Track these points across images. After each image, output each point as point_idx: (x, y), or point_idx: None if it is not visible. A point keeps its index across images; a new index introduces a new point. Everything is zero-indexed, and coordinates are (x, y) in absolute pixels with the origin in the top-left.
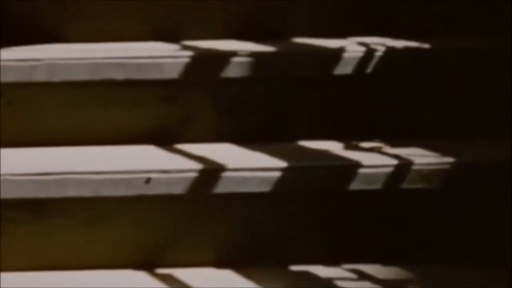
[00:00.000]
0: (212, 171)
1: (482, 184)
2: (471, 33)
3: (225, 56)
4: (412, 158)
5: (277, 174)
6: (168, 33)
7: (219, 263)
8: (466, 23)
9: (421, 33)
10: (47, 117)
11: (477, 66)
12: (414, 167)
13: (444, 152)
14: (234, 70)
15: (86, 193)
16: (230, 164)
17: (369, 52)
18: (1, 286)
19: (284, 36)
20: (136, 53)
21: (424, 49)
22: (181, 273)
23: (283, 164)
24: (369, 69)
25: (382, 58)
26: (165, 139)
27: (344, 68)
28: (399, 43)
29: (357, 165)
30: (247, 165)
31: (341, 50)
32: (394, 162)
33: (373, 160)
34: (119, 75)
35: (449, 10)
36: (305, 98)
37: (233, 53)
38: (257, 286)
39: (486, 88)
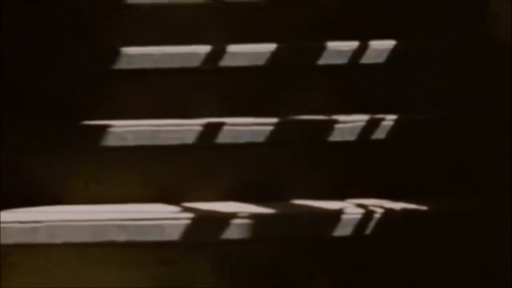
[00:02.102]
0: None
1: None
2: (469, 192)
3: (225, 218)
4: None
5: None
6: (170, 195)
7: None
8: (464, 184)
9: (421, 193)
10: (48, 278)
11: (476, 228)
12: None
13: None
14: (234, 231)
15: None
16: None
17: (368, 214)
18: None
19: (284, 198)
20: (138, 215)
21: (422, 211)
22: None
23: None
24: (367, 231)
25: (380, 220)
26: None
27: (343, 230)
28: (397, 205)
29: None
30: None
31: (339, 212)
32: None
33: None
34: (121, 237)
35: (450, 172)
36: (305, 259)
37: (233, 215)
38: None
39: (484, 248)
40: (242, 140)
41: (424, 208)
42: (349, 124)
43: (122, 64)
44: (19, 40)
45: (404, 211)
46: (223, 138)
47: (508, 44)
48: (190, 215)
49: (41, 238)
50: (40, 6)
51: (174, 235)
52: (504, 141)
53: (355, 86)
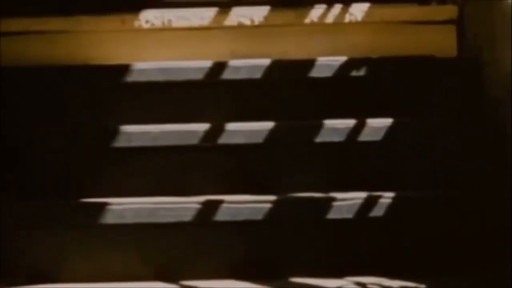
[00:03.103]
0: None
1: None
2: (469, 270)
3: None
4: None
5: None
6: (168, 273)
7: None
8: (463, 262)
9: (419, 271)
10: None
11: None
12: None
13: None
14: None
15: None
16: None
17: None
18: None
19: (282, 276)
20: None
21: None
22: None
23: None
24: None
25: None
26: None
27: None
28: (396, 283)
29: None
30: None
31: None
32: None
33: None
34: None
35: (448, 250)
36: None
37: None
38: None
39: None
40: (240, 218)
41: (422, 286)
42: (347, 202)
43: (121, 142)
44: (20, 119)
45: None
46: (221, 215)
47: (507, 126)
48: None
49: None
50: (39, 87)
51: None
52: (504, 221)
53: (352, 164)
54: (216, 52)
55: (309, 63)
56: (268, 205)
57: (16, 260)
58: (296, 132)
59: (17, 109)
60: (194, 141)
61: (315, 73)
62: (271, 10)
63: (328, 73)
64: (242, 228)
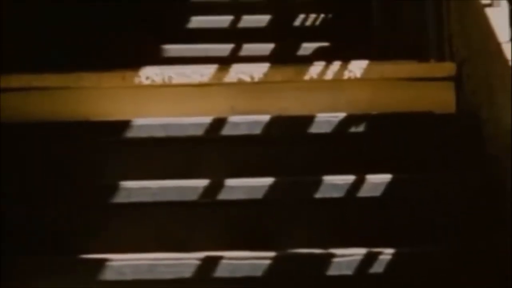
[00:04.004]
0: None
1: None
2: None
3: None
4: None
5: None
6: None
7: None
8: None
9: None
10: None
11: None
12: None
13: None
14: None
15: None
16: None
17: None
18: None
19: None
20: None
21: None
22: None
23: None
24: None
25: None
26: None
27: None
28: None
29: None
30: None
31: None
32: None
33: None
34: None
35: None
36: None
37: None
38: None
39: None
40: (239, 274)
41: None
42: (346, 258)
43: (120, 198)
44: (19, 174)
45: None
46: (220, 272)
47: (507, 183)
48: None
49: None
50: (39, 143)
51: None
52: (506, 277)
53: (352, 220)
54: (216, 108)
55: (309, 119)
56: (268, 262)
57: None
58: (296, 188)
59: (16, 164)
60: (194, 197)
61: (314, 129)
62: (271, 67)
63: (327, 129)
64: (242, 284)
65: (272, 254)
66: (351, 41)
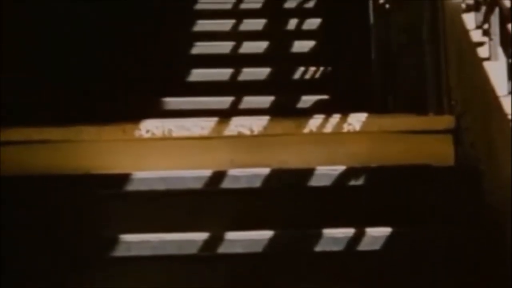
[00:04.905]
0: None
1: None
2: None
3: None
4: None
5: None
6: None
7: None
8: None
9: None
10: None
11: None
12: None
13: None
14: None
15: None
16: None
17: None
18: None
19: None
20: None
21: None
22: None
23: None
24: None
25: None
26: None
27: None
28: None
29: None
30: None
31: None
32: None
33: None
34: None
35: None
36: None
37: None
38: None
39: None
40: None
41: None
42: None
43: (120, 252)
44: (19, 227)
45: None
46: None
47: (507, 236)
48: None
49: None
50: (39, 196)
51: None
52: None
53: (352, 273)
54: (216, 161)
55: (308, 172)
56: None
57: None
58: (296, 241)
59: (16, 217)
60: (193, 250)
61: (314, 182)
62: (270, 120)
63: (327, 182)
64: None
65: None
66: (350, 94)
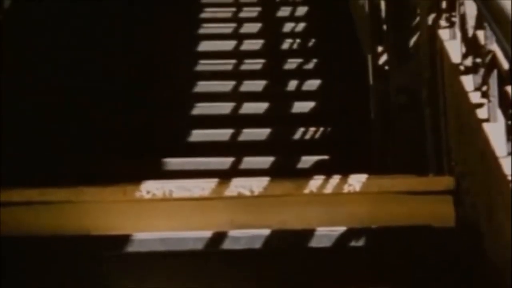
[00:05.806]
0: None
1: None
2: None
3: None
4: None
5: None
6: None
7: None
8: None
9: None
10: None
11: None
12: None
13: None
14: None
15: None
16: None
17: None
18: None
19: None
20: None
21: None
22: None
23: None
24: None
25: None
26: None
27: None
28: None
29: None
30: None
31: None
32: None
33: None
34: None
35: None
36: None
37: None
38: None
39: None
40: None
41: None
42: None
43: None
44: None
45: None
46: None
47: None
48: None
49: None
50: (39, 257)
51: None
52: None
53: None
54: (216, 222)
55: (309, 233)
56: None
57: None
58: None
59: (17, 278)
60: None
61: (314, 243)
62: (270, 181)
63: (327, 243)
64: None
65: None
66: (350, 154)
